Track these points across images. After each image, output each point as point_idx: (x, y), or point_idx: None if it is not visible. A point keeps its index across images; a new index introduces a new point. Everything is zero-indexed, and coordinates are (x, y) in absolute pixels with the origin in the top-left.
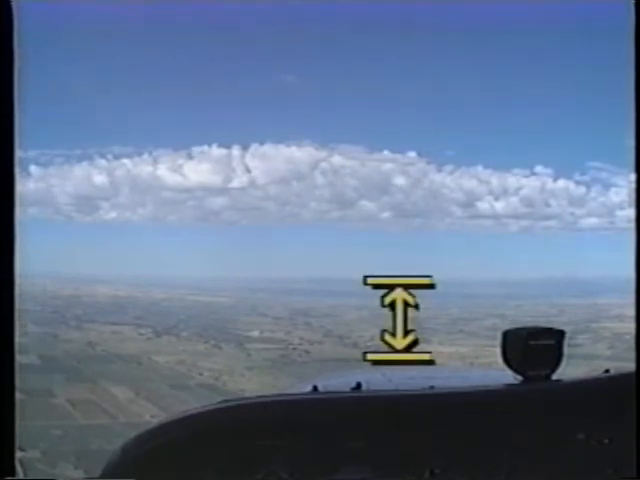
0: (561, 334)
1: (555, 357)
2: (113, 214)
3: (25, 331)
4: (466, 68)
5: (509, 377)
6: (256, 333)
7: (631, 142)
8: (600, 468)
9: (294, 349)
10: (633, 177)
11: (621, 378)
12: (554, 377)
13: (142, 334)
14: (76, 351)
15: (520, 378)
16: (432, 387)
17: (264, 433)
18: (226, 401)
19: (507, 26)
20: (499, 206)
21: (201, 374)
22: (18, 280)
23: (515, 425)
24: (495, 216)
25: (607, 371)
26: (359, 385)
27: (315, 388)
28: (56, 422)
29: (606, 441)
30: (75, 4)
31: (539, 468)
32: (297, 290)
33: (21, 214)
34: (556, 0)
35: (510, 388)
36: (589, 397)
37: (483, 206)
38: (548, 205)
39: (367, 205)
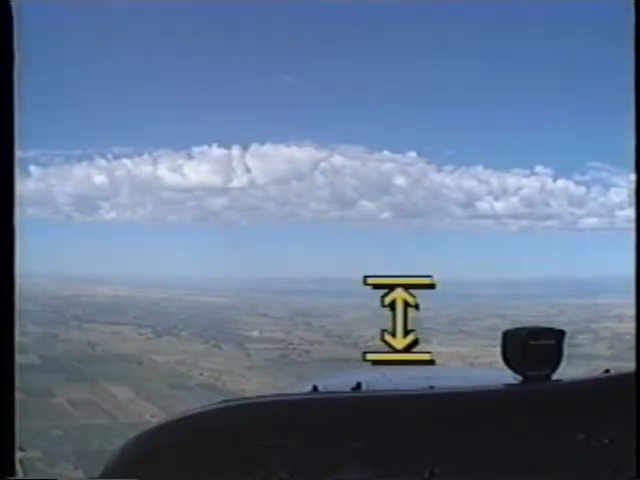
0: (561, 334)
1: (555, 357)
2: (113, 214)
3: (25, 331)
4: (466, 68)
5: (509, 377)
6: (256, 333)
7: (631, 142)
8: (600, 468)
9: (294, 349)
10: (633, 177)
11: (621, 378)
12: (554, 377)
13: (142, 334)
14: (76, 351)
15: (520, 378)
16: (432, 387)
17: (264, 433)
18: (226, 401)
19: (507, 26)
20: (499, 206)
21: (201, 374)
22: (18, 280)
23: (515, 425)
24: (495, 216)
25: (607, 371)
26: (359, 385)
27: (315, 388)
28: (56, 422)
29: (606, 441)
30: (75, 4)
31: (539, 468)
32: (297, 290)
33: (21, 214)
34: (556, 0)
35: (510, 388)
36: (589, 397)
37: (483, 206)
38: (548, 205)
39: (367, 205)
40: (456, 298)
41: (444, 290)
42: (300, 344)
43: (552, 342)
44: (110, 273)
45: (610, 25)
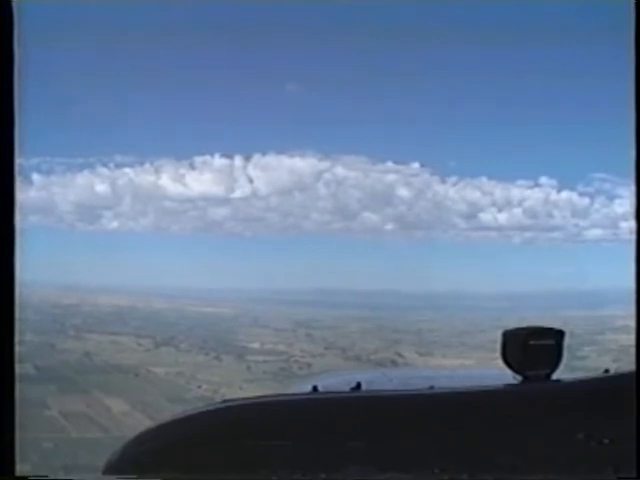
0: (560, 334)
1: (555, 357)
2: (115, 223)
3: (22, 340)
4: (470, 79)
5: (509, 377)
6: (257, 345)
7: (632, 151)
8: (600, 468)
9: (295, 362)
10: (634, 188)
11: (621, 378)
12: (553, 377)
13: (141, 345)
14: (73, 361)
15: (520, 378)
16: (432, 387)
17: (264, 433)
18: (226, 401)
19: (509, 36)
20: (503, 217)
21: (199, 387)
22: (18, 288)
23: (515, 425)
24: (499, 228)
25: (607, 371)
26: (359, 385)
27: (315, 388)
28: (47, 435)
29: (606, 441)
30: (77, 10)
31: (539, 468)
32: (299, 301)
33: (23, 222)
34: (558, 5)
35: (510, 388)
36: (589, 397)
37: (486, 217)
38: (552, 217)
39: (370, 216)
40: (460, 310)
41: (448, 302)
42: (302, 356)
43: (552, 342)
44: (111, 282)
45: (615, 32)
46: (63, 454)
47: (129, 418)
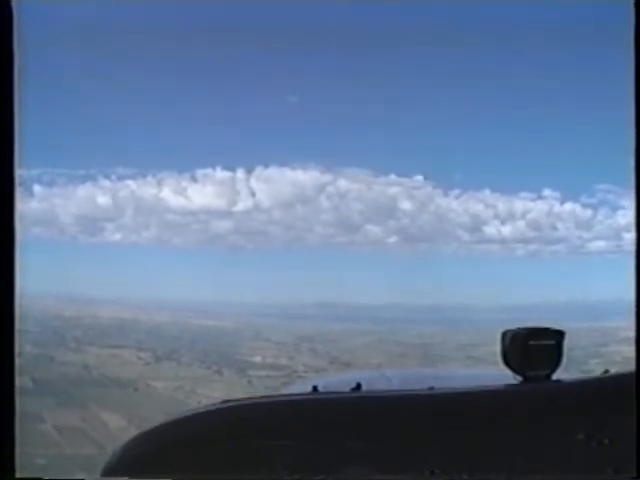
0: (561, 334)
1: (555, 357)
2: (117, 235)
3: (21, 352)
4: (473, 90)
5: (509, 377)
6: (259, 359)
7: (631, 159)
8: (600, 468)
9: (298, 377)
10: (634, 196)
11: (621, 378)
12: (554, 377)
13: (142, 358)
14: (71, 375)
15: (520, 378)
16: (432, 387)
17: (264, 433)
18: (227, 401)
19: (512, 45)
20: (506, 230)
21: (199, 402)
22: (19, 300)
23: (515, 425)
24: (502, 240)
25: (606, 371)
26: (359, 385)
27: (315, 388)
28: (41, 450)
29: (606, 441)
30: (78, 18)
31: (539, 468)
32: (302, 315)
33: (24, 234)
34: (561, 12)
35: (510, 388)
36: (589, 397)
37: (490, 230)
38: (555, 229)
39: (373, 229)
40: (463, 323)
41: (451, 315)
42: (305, 371)
43: (552, 342)
44: (113, 295)
45: (620, 36)
46: (56, 471)
47: (125, 434)
